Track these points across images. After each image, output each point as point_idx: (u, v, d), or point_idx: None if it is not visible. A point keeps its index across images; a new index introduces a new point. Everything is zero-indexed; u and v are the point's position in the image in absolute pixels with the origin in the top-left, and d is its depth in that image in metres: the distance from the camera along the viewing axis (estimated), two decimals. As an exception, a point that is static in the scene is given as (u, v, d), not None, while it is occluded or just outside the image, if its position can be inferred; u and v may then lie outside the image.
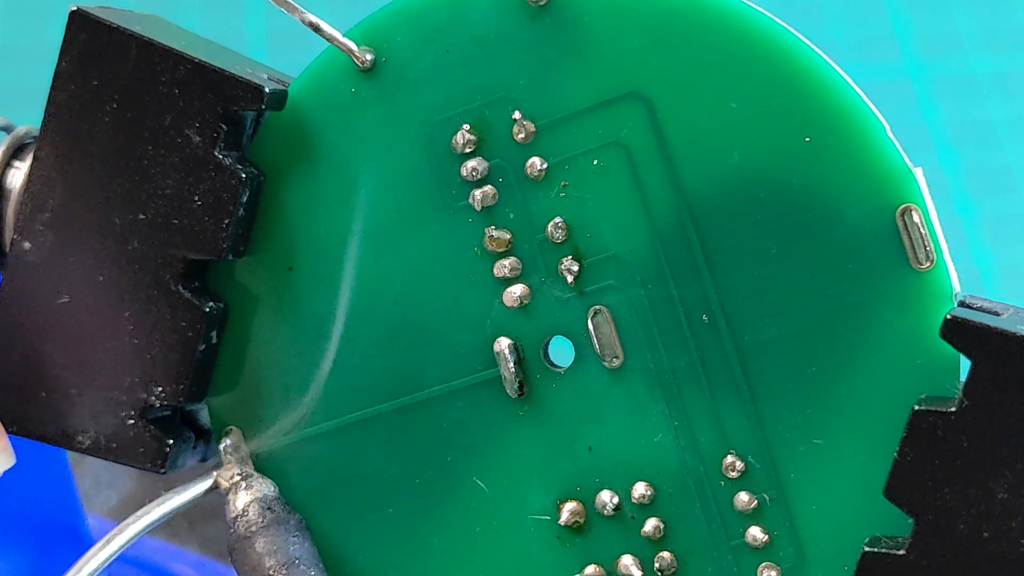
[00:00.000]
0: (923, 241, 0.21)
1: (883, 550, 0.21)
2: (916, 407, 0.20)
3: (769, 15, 0.22)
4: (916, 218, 0.21)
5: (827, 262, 0.21)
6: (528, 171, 0.22)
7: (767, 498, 0.22)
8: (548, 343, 0.23)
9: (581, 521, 0.23)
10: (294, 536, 0.23)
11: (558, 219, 0.22)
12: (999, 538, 0.20)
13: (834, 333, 0.22)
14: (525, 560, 0.23)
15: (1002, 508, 0.20)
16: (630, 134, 0.22)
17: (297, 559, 0.23)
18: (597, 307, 0.23)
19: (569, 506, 0.23)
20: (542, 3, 0.22)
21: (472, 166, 0.23)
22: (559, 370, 0.23)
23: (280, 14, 0.23)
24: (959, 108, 0.42)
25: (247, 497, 0.23)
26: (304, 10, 0.22)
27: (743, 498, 0.22)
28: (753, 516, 0.23)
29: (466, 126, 0.22)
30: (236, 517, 0.23)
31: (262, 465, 0.24)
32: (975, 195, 0.42)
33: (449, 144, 0.23)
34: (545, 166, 0.22)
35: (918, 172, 0.21)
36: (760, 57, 0.21)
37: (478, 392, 0.23)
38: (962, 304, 0.21)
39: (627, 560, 0.23)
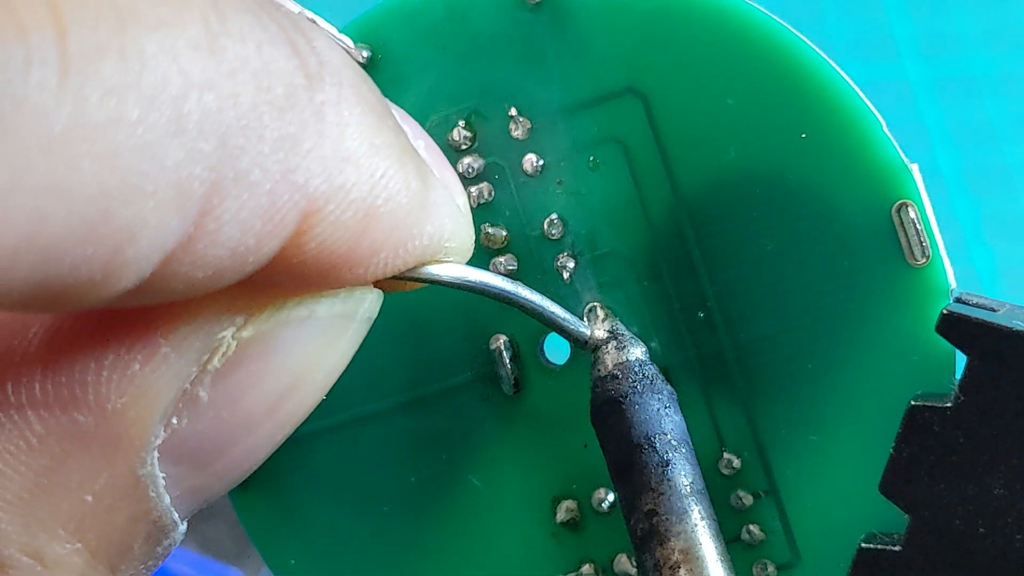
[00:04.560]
0: (919, 237, 0.21)
1: (879, 546, 0.21)
2: (912, 402, 0.20)
3: (765, 12, 0.22)
4: (912, 214, 0.21)
5: (823, 258, 0.21)
6: (524, 168, 0.22)
7: (762, 495, 0.22)
8: (544, 340, 0.23)
9: (576, 518, 0.23)
10: (666, 408, 0.21)
11: (554, 216, 0.22)
12: (995, 533, 0.20)
13: (830, 329, 0.22)
14: (520, 558, 0.23)
15: (998, 503, 0.20)
16: (626, 130, 0.22)
17: (667, 433, 0.21)
18: (593, 303, 0.23)
19: (565, 503, 0.23)
20: (537, 0, 0.22)
21: (468, 163, 0.23)
22: (554, 367, 0.23)
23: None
24: (958, 108, 0.42)
25: (618, 357, 0.21)
26: (301, 6, 0.22)
27: (738, 495, 0.22)
28: (748, 513, 0.23)
29: (461, 123, 0.23)
30: (603, 378, 0.21)
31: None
32: (974, 195, 0.42)
33: (445, 141, 0.23)
34: (541, 163, 0.22)
35: (914, 168, 0.21)
36: (756, 53, 0.21)
37: (474, 389, 0.23)
38: (958, 300, 0.21)
39: (622, 558, 0.23)
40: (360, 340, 0.18)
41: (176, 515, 0.16)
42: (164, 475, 0.16)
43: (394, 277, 0.17)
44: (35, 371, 0.15)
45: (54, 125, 0.12)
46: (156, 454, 0.16)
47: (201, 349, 0.16)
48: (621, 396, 0.21)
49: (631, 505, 0.21)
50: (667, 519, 0.20)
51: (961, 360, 0.20)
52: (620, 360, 0.21)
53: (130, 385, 0.15)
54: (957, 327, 0.20)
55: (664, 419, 0.21)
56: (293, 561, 0.24)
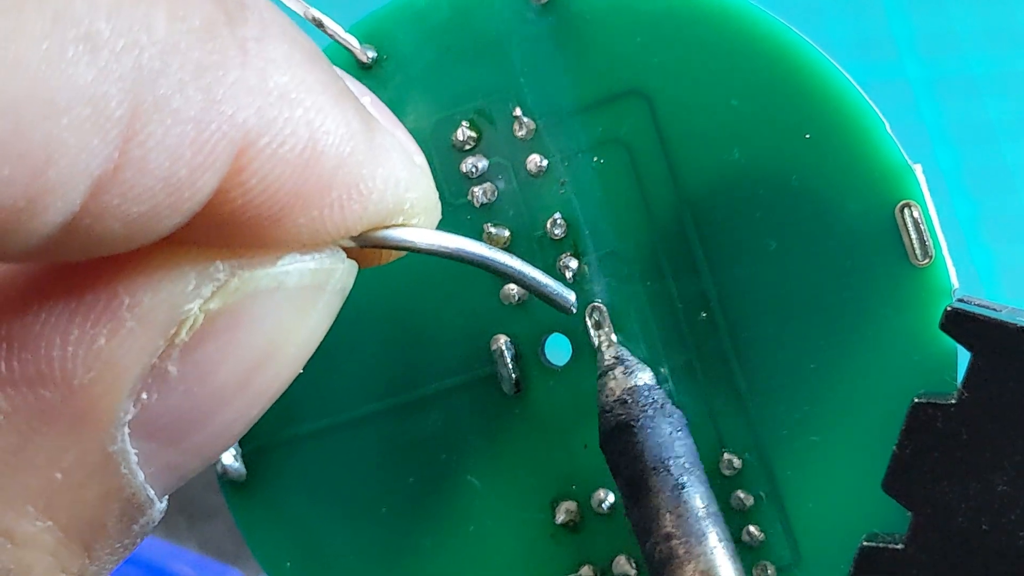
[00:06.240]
0: (922, 237, 0.21)
1: (881, 544, 0.21)
2: (915, 399, 0.20)
3: (769, 13, 0.22)
4: (915, 214, 0.21)
5: (826, 258, 0.22)
6: (528, 168, 0.22)
7: (763, 496, 0.22)
8: (545, 340, 0.23)
9: (576, 520, 0.23)
10: (678, 431, 0.21)
11: (557, 216, 0.22)
12: (998, 530, 0.20)
13: (832, 329, 0.22)
14: (519, 559, 0.23)
15: (1001, 500, 0.20)
16: (630, 131, 0.22)
17: (680, 456, 0.21)
18: (595, 304, 0.23)
19: (564, 505, 0.23)
20: (543, 1, 0.22)
21: (472, 163, 0.23)
22: (555, 368, 0.23)
23: (283, 9, 0.23)
24: (958, 108, 0.42)
25: (626, 382, 0.21)
26: (307, 5, 0.22)
27: (739, 496, 0.22)
28: (749, 514, 0.23)
29: (465, 123, 0.23)
30: (612, 403, 0.21)
31: (256, 463, 0.24)
32: (974, 195, 0.42)
33: (449, 141, 0.23)
34: (545, 163, 0.22)
35: (917, 169, 0.21)
36: (760, 54, 0.21)
37: (474, 390, 0.23)
38: (960, 301, 0.21)
39: (621, 559, 0.23)
40: (334, 313, 0.17)
41: (152, 492, 0.16)
42: (136, 451, 0.16)
43: (365, 244, 0.17)
44: None
45: None
46: (127, 430, 0.16)
47: (167, 322, 0.16)
48: (632, 420, 0.21)
49: (647, 529, 0.21)
50: (686, 541, 0.20)
51: (963, 361, 0.20)
52: (628, 385, 0.21)
53: (96, 360, 0.15)
54: (961, 324, 0.20)
55: (676, 442, 0.21)
56: (289, 564, 0.24)
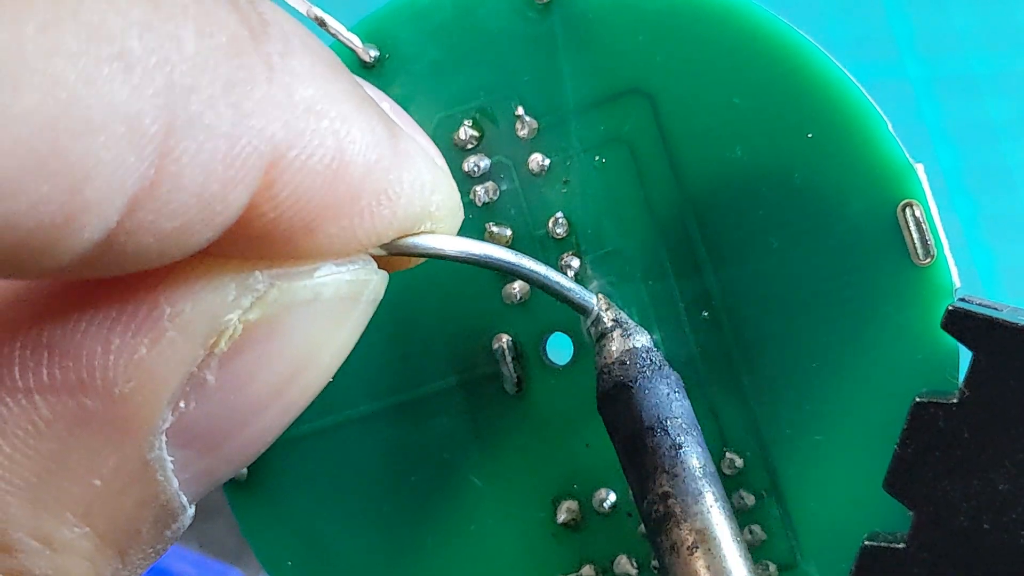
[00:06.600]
0: (924, 236, 0.21)
1: (883, 543, 0.21)
2: (917, 398, 0.20)
3: (771, 12, 0.22)
4: (917, 213, 0.21)
5: (828, 257, 0.22)
6: (530, 167, 0.22)
7: (764, 495, 0.22)
8: (547, 340, 0.23)
9: (577, 519, 0.23)
10: (675, 392, 0.21)
11: (559, 215, 0.22)
12: (1000, 529, 0.20)
13: (834, 328, 0.22)
14: (520, 558, 0.23)
15: (1003, 499, 0.20)
16: (633, 130, 0.22)
17: (677, 416, 0.21)
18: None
19: (566, 504, 0.23)
20: (545, 0, 0.22)
21: (474, 162, 0.23)
22: (557, 367, 0.23)
23: (286, 8, 0.23)
24: (958, 107, 0.43)
25: (624, 344, 0.21)
26: (310, 4, 0.22)
27: (741, 494, 0.22)
28: (750, 513, 0.23)
29: (468, 122, 0.23)
30: (610, 365, 0.22)
31: (258, 462, 0.24)
32: (974, 194, 0.42)
33: (451, 140, 0.23)
34: (547, 162, 0.22)
35: (919, 168, 0.21)
36: (763, 53, 0.21)
37: (476, 389, 0.23)
38: (961, 300, 0.21)
39: (623, 559, 0.23)
40: (366, 322, 0.18)
41: (184, 499, 0.17)
42: (172, 459, 0.16)
43: (395, 253, 0.17)
44: (42, 356, 0.15)
45: None
46: (164, 438, 0.16)
47: (207, 332, 0.16)
48: (630, 380, 0.21)
49: (644, 488, 0.21)
50: (682, 501, 0.20)
51: (964, 359, 0.20)
52: (627, 347, 0.22)
53: (137, 369, 0.16)
54: (962, 323, 0.20)
55: (673, 403, 0.21)
56: (290, 562, 0.24)
